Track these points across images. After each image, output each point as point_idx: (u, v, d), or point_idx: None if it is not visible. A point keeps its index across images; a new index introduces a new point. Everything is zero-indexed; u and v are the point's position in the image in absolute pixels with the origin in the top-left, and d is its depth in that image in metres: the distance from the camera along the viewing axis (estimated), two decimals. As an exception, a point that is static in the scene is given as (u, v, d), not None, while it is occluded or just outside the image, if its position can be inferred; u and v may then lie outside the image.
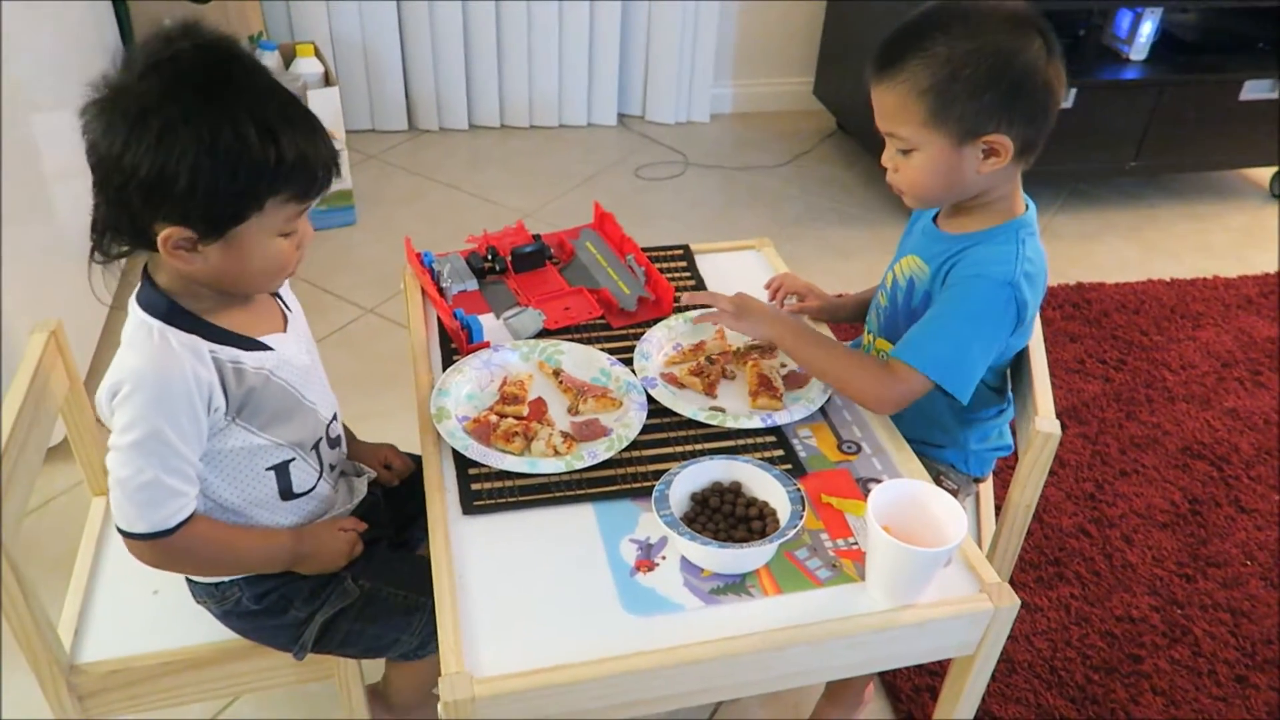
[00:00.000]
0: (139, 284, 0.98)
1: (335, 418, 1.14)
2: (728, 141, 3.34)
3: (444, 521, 1.04)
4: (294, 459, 1.06)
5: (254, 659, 1.15)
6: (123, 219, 0.91)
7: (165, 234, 0.89)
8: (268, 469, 1.05)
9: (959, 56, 1.06)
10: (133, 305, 0.97)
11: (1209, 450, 2.05)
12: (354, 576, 1.12)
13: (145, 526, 0.96)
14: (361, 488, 1.18)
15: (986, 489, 1.42)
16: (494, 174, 3.04)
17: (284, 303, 1.10)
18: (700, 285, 1.46)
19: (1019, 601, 1.00)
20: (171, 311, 0.95)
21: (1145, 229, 2.95)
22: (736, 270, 1.51)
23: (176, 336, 0.94)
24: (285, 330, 1.07)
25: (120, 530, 0.97)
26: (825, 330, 1.39)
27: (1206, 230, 2.96)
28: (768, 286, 1.43)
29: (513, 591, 0.98)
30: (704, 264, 1.51)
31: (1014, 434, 1.34)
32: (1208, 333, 2.43)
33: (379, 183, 2.94)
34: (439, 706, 0.87)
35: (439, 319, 1.34)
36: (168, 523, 0.96)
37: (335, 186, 2.69)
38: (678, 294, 1.40)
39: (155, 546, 0.97)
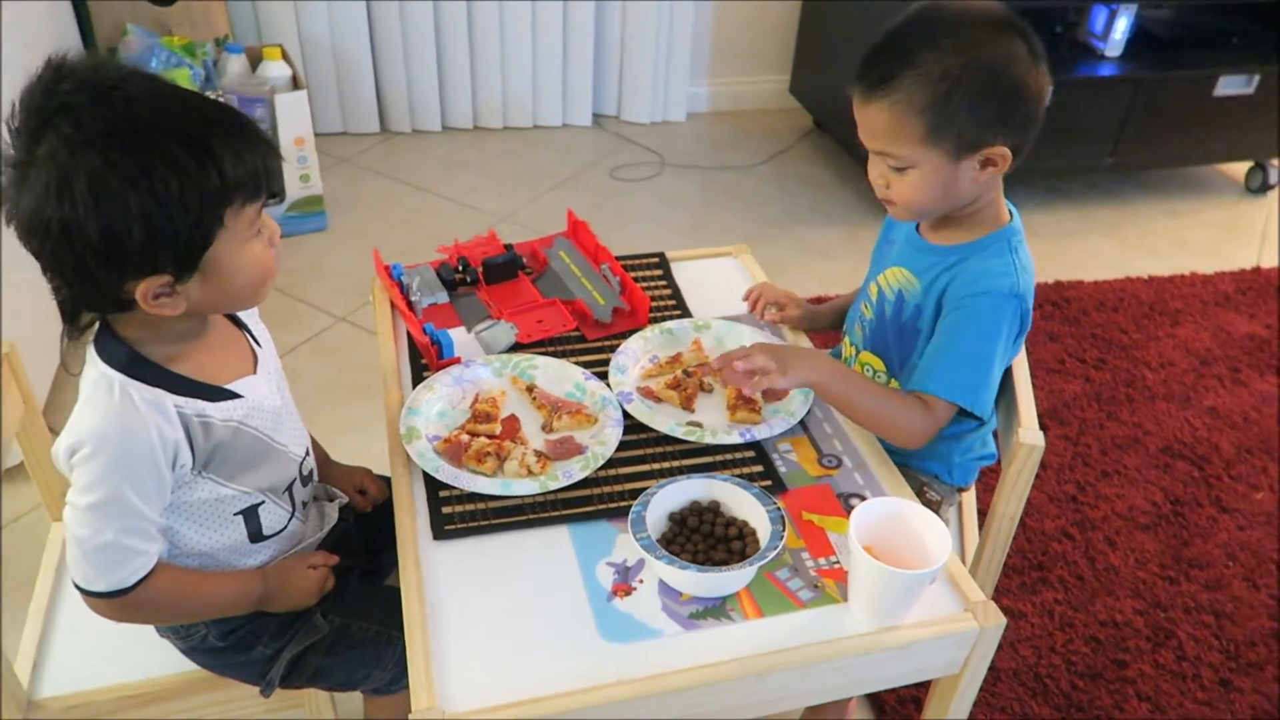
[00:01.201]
0: (96, 330, 0.92)
1: (308, 453, 1.10)
2: (705, 141, 3.32)
3: (414, 547, 1.01)
4: (263, 502, 1.02)
5: (220, 690, 1.12)
6: (91, 293, 0.85)
7: (142, 290, 0.84)
8: (235, 514, 1.00)
9: (954, 71, 1.03)
10: (91, 355, 0.91)
11: (1189, 450, 2.04)
12: (324, 612, 1.09)
13: (104, 585, 0.91)
14: (333, 514, 1.14)
15: (969, 497, 1.40)
16: (468, 177, 3.00)
17: (253, 337, 1.05)
18: (676, 294, 1.43)
19: (1004, 620, 0.97)
20: (133, 362, 0.90)
21: (1123, 226, 2.95)
22: (713, 278, 1.48)
23: (139, 391, 0.89)
24: (255, 371, 1.01)
25: (77, 586, 0.92)
26: (804, 341, 1.36)
27: (1184, 226, 2.96)
28: (746, 297, 1.40)
29: (486, 620, 0.95)
30: (680, 272, 1.49)
31: (997, 442, 1.32)
32: (1187, 330, 2.42)
33: (351, 187, 2.90)
34: (409, 744, 0.84)
35: (409, 333, 1.31)
36: (127, 581, 0.92)
37: (305, 192, 2.65)
38: (653, 308, 1.38)
39: (114, 604, 0.93)
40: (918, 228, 1.24)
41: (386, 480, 1.22)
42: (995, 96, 1.05)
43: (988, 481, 1.50)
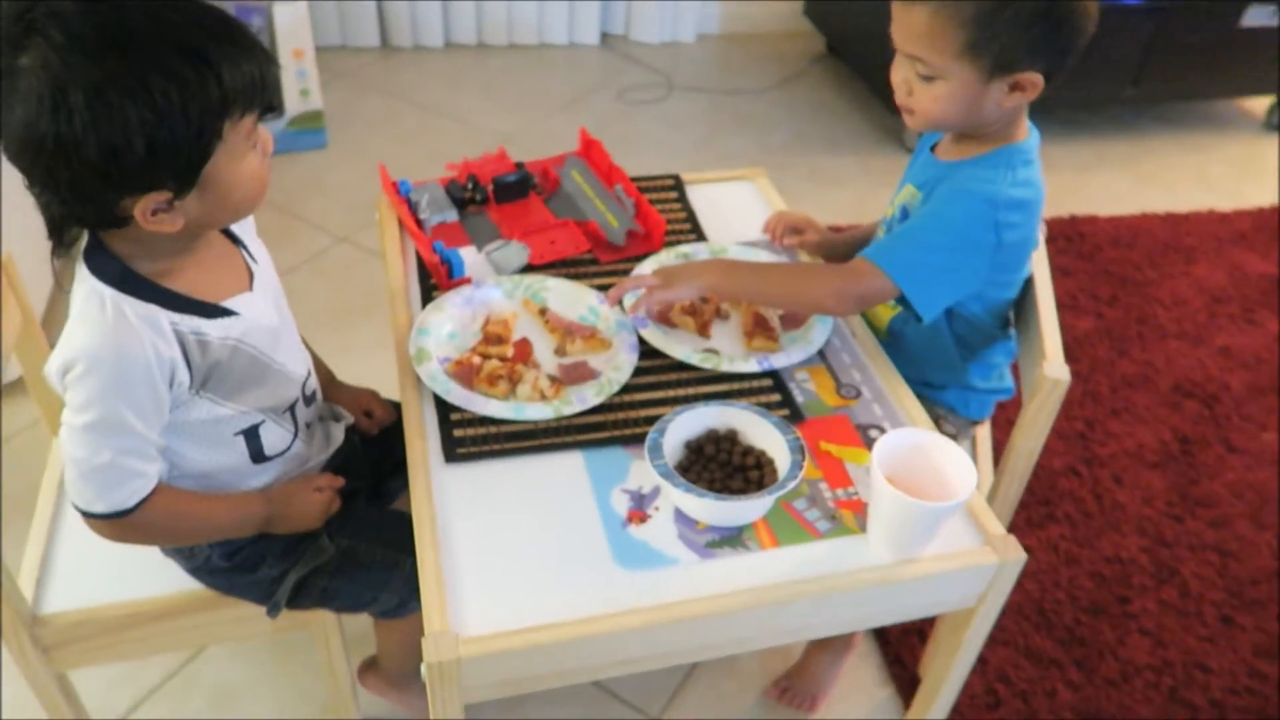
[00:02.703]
0: (85, 242, 0.88)
1: (310, 373, 1.07)
2: (714, 64, 3.22)
3: (425, 470, 0.99)
4: (264, 422, 0.99)
5: (225, 609, 1.10)
6: (86, 209, 0.81)
7: (141, 206, 0.80)
8: (236, 434, 0.98)
9: None
10: (82, 270, 0.87)
11: (1200, 389, 2.03)
12: (330, 534, 1.07)
13: (103, 507, 0.89)
14: (338, 435, 1.12)
15: (984, 433, 1.38)
16: (471, 95, 2.92)
17: (248, 253, 1.00)
18: (691, 218, 1.39)
19: (1024, 555, 0.96)
20: (125, 278, 0.86)
21: (1140, 160, 2.89)
22: (729, 201, 1.44)
23: (133, 307, 0.85)
24: (251, 288, 0.97)
25: (77, 508, 0.90)
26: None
27: (1202, 162, 2.90)
28: (765, 229, 1.36)
29: (499, 544, 0.93)
30: (695, 195, 1.44)
31: (1015, 377, 1.30)
32: (1201, 268, 2.39)
33: (351, 103, 2.82)
34: (422, 668, 0.83)
35: (417, 252, 1.27)
36: (127, 502, 0.89)
37: (304, 107, 2.57)
38: (668, 231, 1.34)
39: (115, 525, 0.91)
40: (934, 148, 1.20)
41: (394, 405, 1.20)
42: (1044, 21, 1.00)
43: (998, 420, 1.48)
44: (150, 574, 1.10)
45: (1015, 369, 1.28)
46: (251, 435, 0.99)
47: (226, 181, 0.84)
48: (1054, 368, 1.08)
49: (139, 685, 1.39)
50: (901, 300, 1.11)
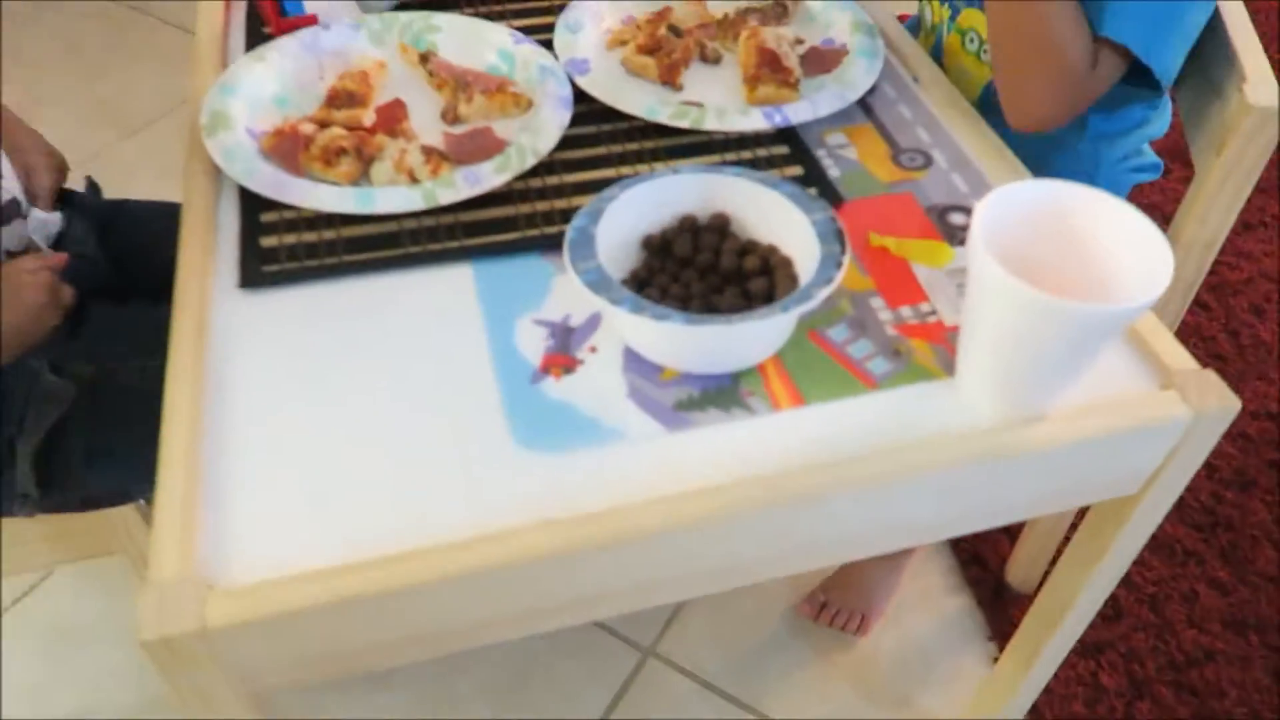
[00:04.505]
0: None
1: None
2: None
3: (201, 299, 0.58)
4: None
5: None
6: None
7: None
8: None
9: None
10: None
11: (1353, 194, 1.57)
12: (58, 359, 0.67)
13: None
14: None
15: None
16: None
17: None
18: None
19: (1236, 403, 0.55)
20: None
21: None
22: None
23: None
24: None
25: None
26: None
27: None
28: None
29: (320, 421, 0.53)
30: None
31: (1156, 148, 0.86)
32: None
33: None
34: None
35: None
36: None
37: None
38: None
39: None
40: None
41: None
42: None
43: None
44: None
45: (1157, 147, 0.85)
46: None
47: None
48: (1261, 91, 0.65)
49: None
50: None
